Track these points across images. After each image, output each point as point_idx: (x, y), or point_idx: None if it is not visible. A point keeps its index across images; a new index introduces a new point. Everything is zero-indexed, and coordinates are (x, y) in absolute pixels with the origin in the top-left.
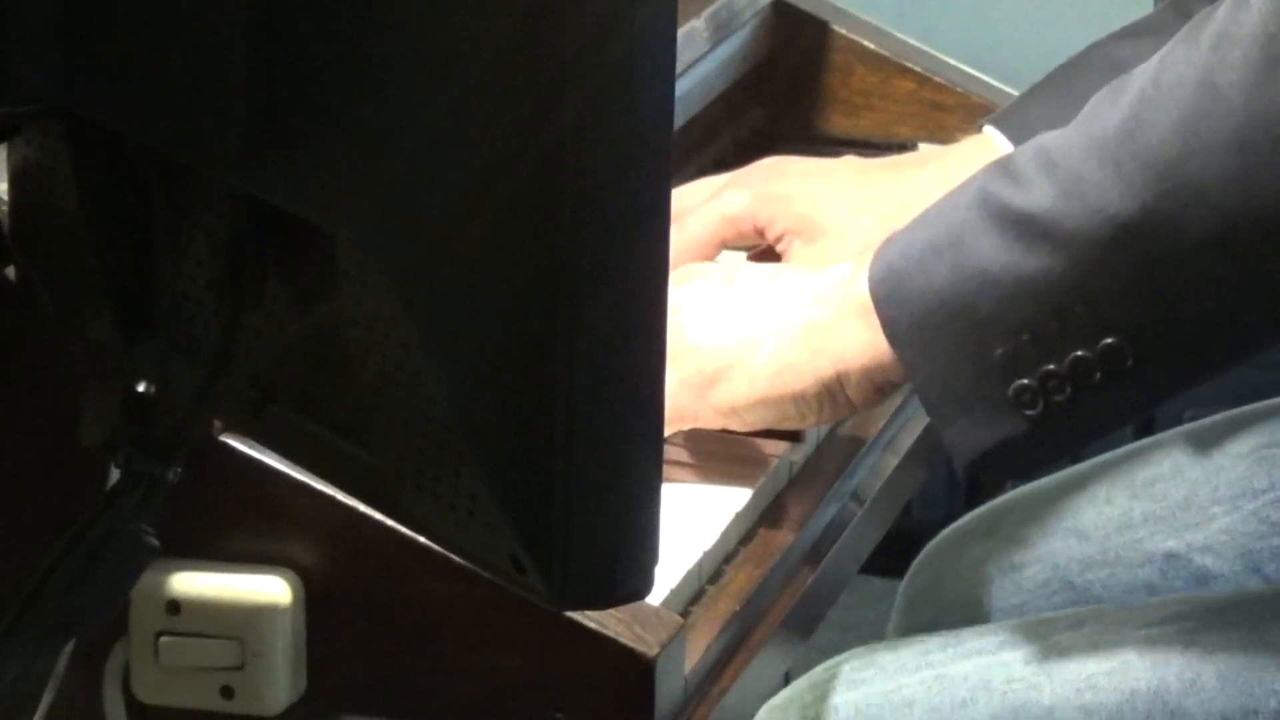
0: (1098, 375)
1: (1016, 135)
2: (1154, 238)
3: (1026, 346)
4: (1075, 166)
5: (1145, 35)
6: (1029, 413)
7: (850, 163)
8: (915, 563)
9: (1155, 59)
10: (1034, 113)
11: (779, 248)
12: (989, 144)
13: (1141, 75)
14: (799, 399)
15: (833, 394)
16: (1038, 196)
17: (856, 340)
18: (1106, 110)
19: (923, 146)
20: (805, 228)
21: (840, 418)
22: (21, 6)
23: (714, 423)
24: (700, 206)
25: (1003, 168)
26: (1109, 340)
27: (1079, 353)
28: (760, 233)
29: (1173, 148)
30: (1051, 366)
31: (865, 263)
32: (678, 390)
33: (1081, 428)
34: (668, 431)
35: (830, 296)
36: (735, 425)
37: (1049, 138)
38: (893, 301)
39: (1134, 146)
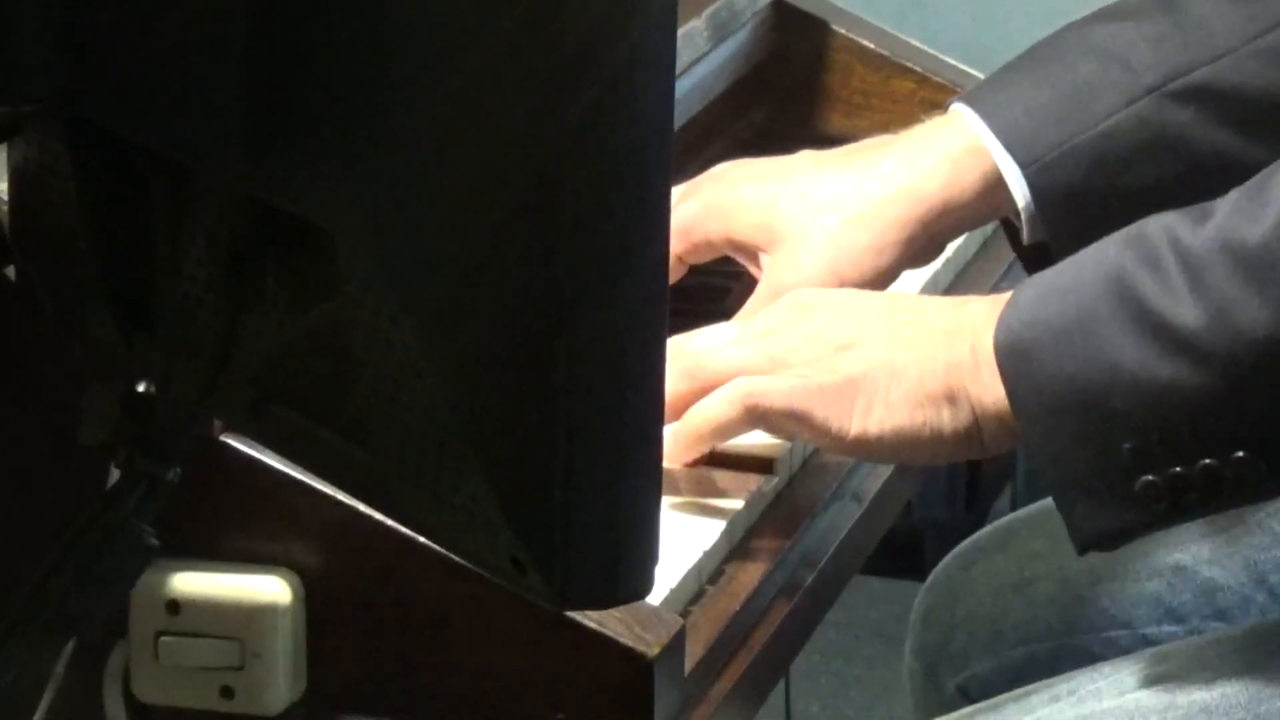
0: (1226, 485)
1: (990, 115)
2: None
3: (1156, 447)
4: (1221, 284)
5: (1123, 19)
6: (1154, 507)
7: (805, 158)
8: (927, 581)
9: None
10: (1008, 94)
11: (738, 259)
12: (960, 123)
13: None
14: (935, 435)
15: (970, 434)
16: (1182, 309)
17: (993, 389)
18: (1248, 221)
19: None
20: (764, 237)
21: (973, 458)
22: (21, 6)
23: (839, 447)
24: None
25: (1139, 251)
26: (1241, 454)
27: (1209, 461)
28: (713, 245)
29: None
30: (1180, 469)
31: (996, 313)
32: (809, 393)
33: (1201, 518)
34: (784, 428)
35: (969, 339)
36: (861, 454)
37: (1186, 231)
38: (1019, 378)
39: (1278, 273)
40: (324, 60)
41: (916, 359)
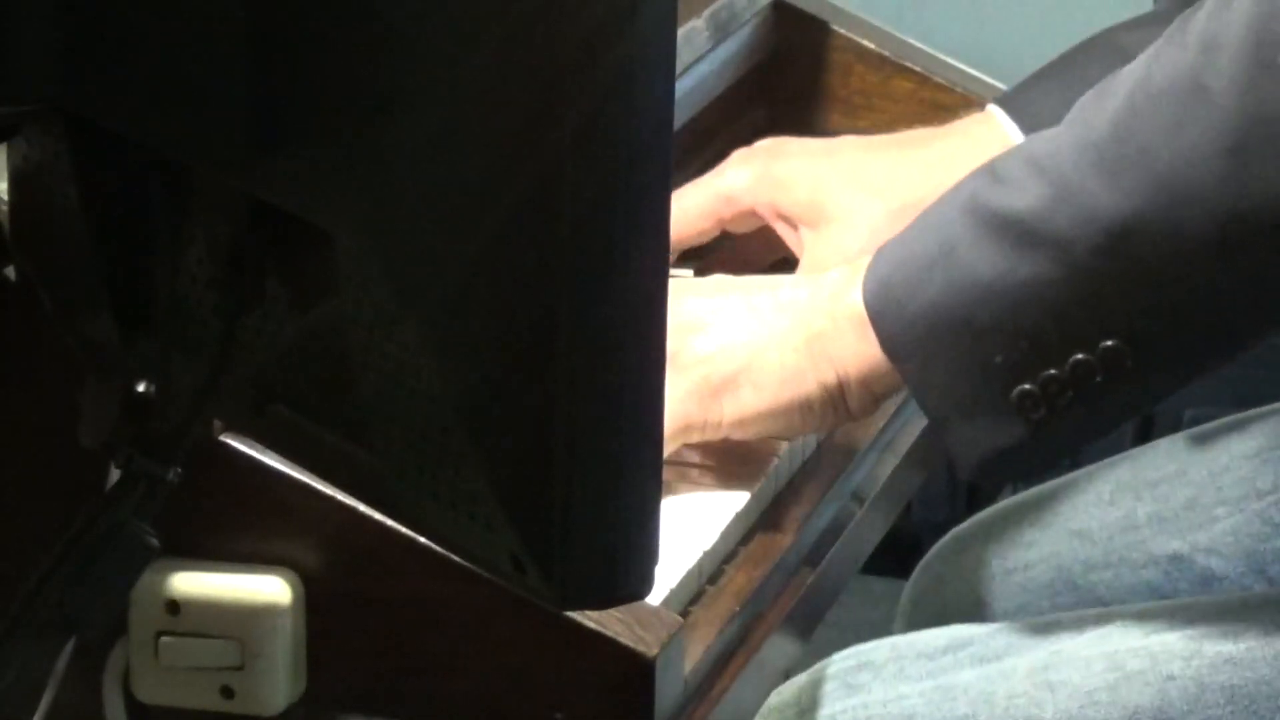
0: (1098, 378)
1: (1021, 117)
2: (1149, 242)
3: (1027, 352)
4: (1066, 171)
5: (1153, 25)
6: (1032, 416)
7: (852, 142)
8: (919, 566)
9: (1142, 61)
10: (1040, 98)
11: (778, 229)
12: (993, 122)
13: (1129, 78)
14: (804, 408)
15: (835, 402)
16: (1028, 200)
17: (855, 349)
18: (1095, 113)
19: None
20: (809, 214)
21: (840, 425)
22: (21, 6)
23: (719, 434)
24: (699, 181)
25: (989, 173)
26: (1108, 343)
27: (1079, 356)
28: (758, 215)
29: (1165, 152)
30: (1052, 371)
31: (858, 272)
32: (685, 401)
33: (1084, 428)
34: (675, 445)
35: (827, 306)
36: (739, 435)
37: (1036, 142)
38: (888, 318)
39: (1126, 151)
40: (324, 60)
41: (777, 335)
